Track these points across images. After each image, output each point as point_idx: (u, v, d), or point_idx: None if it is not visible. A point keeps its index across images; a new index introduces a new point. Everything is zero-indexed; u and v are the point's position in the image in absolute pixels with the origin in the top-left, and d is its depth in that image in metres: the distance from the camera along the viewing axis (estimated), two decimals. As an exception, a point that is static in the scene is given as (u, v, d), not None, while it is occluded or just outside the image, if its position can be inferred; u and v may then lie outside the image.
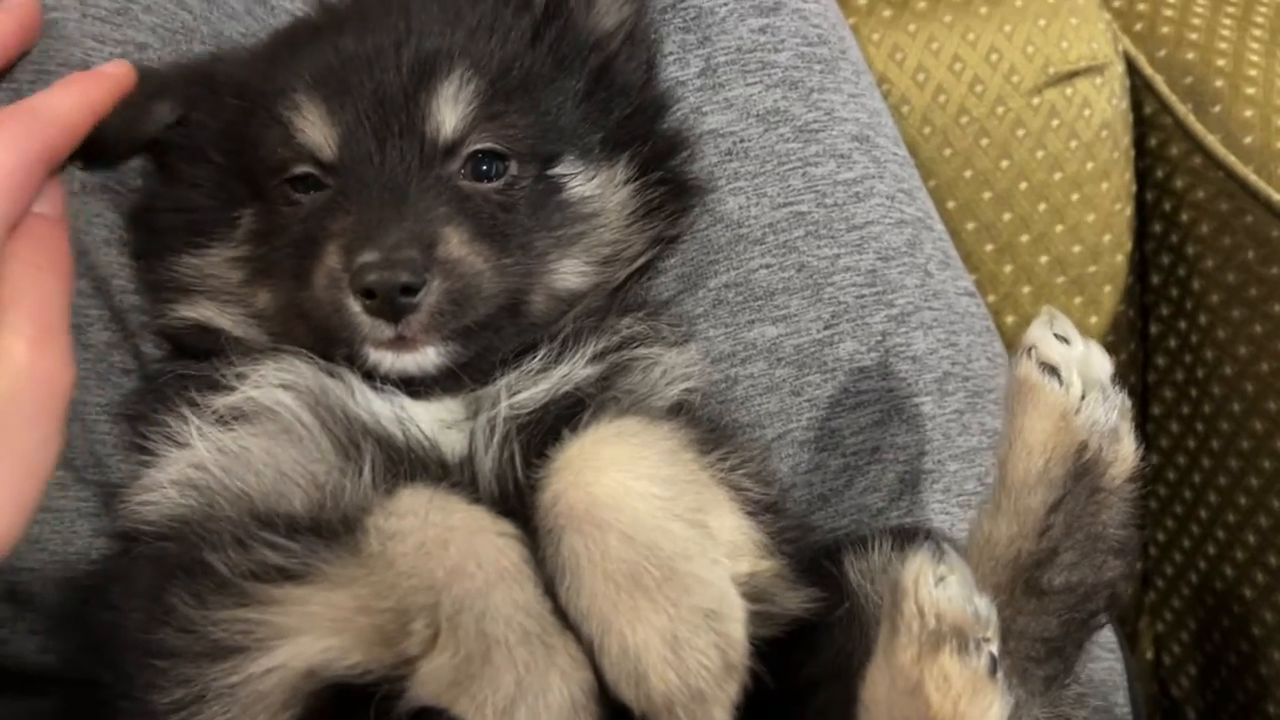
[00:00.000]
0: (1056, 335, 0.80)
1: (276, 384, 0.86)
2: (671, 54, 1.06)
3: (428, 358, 0.86)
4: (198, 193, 0.95)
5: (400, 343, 0.85)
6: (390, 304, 0.83)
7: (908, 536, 0.89)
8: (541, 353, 0.89)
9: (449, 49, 0.90)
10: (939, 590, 0.70)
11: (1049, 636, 0.80)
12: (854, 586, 0.84)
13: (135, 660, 0.78)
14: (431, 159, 0.88)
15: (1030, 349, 0.80)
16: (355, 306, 0.84)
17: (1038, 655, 0.81)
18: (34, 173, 0.88)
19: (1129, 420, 0.80)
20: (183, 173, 0.96)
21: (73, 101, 0.92)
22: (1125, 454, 0.80)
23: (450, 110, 0.88)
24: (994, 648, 0.70)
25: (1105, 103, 1.40)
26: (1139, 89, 1.45)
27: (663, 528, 0.73)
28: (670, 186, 0.98)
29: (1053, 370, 0.79)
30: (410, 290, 0.82)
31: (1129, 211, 1.45)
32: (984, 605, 0.71)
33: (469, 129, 0.89)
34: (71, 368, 0.87)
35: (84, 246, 0.97)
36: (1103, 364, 0.80)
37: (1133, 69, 1.45)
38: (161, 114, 0.96)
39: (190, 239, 0.94)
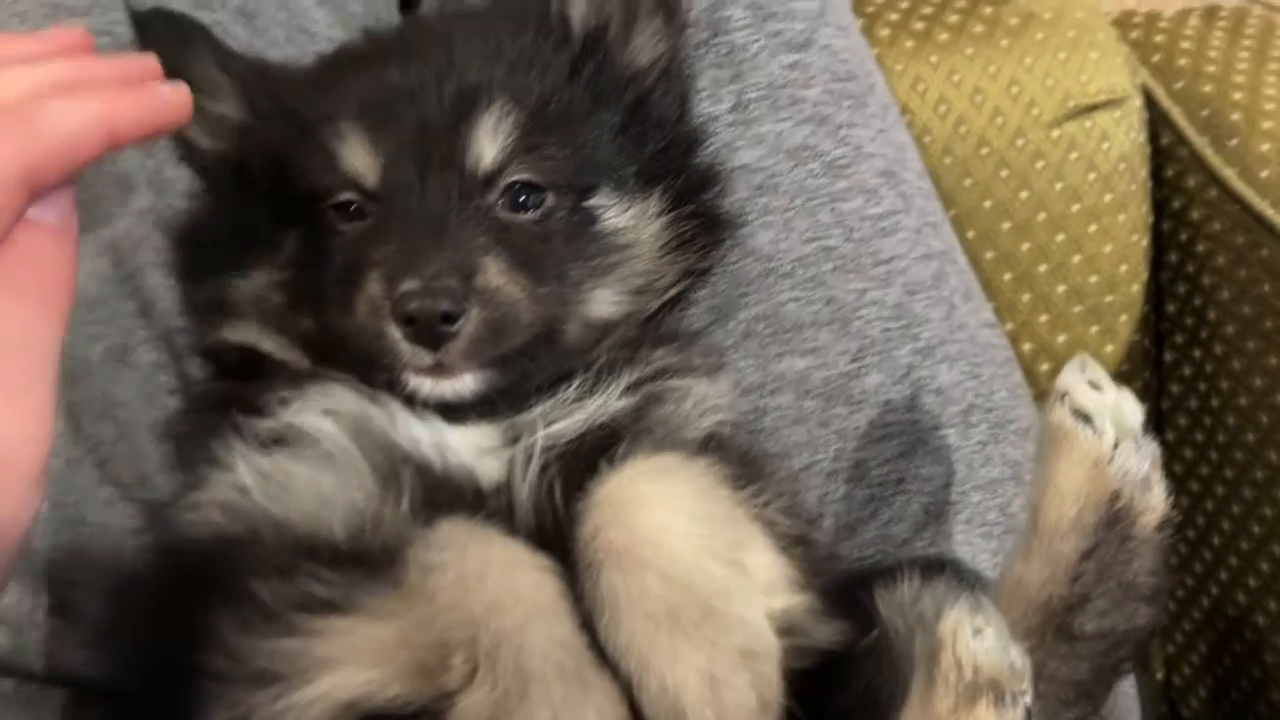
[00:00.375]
0: (1089, 382, 0.81)
1: (319, 410, 0.87)
2: (704, 89, 1.08)
3: (465, 384, 0.87)
4: (243, 215, 0.96)
5: (439, 369, 0.86)
6: (430, 332, 0.84)
7: (935, 568, 0.91)
8: (576, 382, 0.90)
9: (489, 82, 0.91)
10: (976, 642, 0.71)
11: (1079, 680, 0.81)
12: (883, 619, 0.85)
13: (180, 680, 0.78)
14: (471, 190, 0.89)
15: (1064, 395, 0.81)
16: (396, 334, 0.85)
17: (1067, 698, 0.82)
18: (13, 192, 0.69)
19: (1160, 469, 0.81)
20: (229, 195, 0.97)
21: (84, 117, 0.72)
22: (1156, 503, 0.81)
23: (490, 142, 0.89)
24: (1029, 699, 0.71)
25: (1123, 136, 1.42)
26: (1156, 120, 1.46)
27: (701, 566, 0.74)
28: (702, 220, 0.99)
29: (1085, 417, 0.80)
30: (450, 319, 0.84)
31: (1145, 242, 1.46)
32: (1020, 657, 0.71)
33: (507, 161, 0.90)
34: (48, 423, 0.70)
35: (131, 269, 0.98)
36: (1134, 412, 0.81)
37: (1150, 100, 1.46)
38: (212, 70, 0.96)
39: (235, 261, 0.95)
